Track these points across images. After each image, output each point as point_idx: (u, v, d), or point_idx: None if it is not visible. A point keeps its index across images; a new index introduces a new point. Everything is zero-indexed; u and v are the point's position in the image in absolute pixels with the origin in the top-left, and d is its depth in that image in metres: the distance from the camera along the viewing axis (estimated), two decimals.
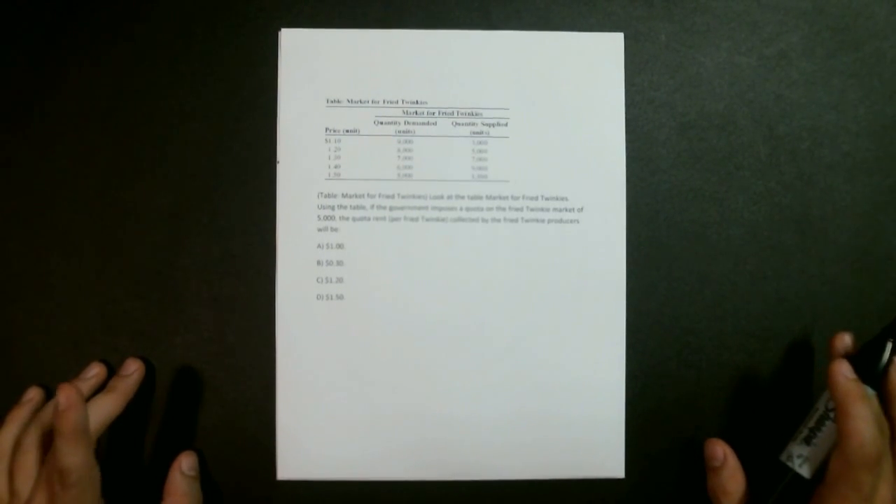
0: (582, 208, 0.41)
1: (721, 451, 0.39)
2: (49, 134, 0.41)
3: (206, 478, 0.41)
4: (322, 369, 0.41)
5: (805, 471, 0.36)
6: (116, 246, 0.41)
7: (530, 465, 0.41)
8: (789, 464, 0.37)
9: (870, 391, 0.35)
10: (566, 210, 0.41)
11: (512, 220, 0.41)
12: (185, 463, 0.39)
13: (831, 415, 0.36)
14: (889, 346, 0.36)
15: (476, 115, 0.41)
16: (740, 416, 0.42)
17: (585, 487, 0.41)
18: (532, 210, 0.41)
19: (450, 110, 0.41)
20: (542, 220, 0.41)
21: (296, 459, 0.41)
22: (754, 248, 0.42)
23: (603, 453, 0.41)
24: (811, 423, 0.37)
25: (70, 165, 0.41)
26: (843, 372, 0.35)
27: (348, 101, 0.41)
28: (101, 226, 0.41)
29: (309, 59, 0.41)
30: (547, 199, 0.41)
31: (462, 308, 0.41)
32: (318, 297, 0.41)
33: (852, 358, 0.36)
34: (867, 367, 0.36)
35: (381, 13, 0.42)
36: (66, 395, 0.34)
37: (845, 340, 0.38)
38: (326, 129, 0.41)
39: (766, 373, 0.42)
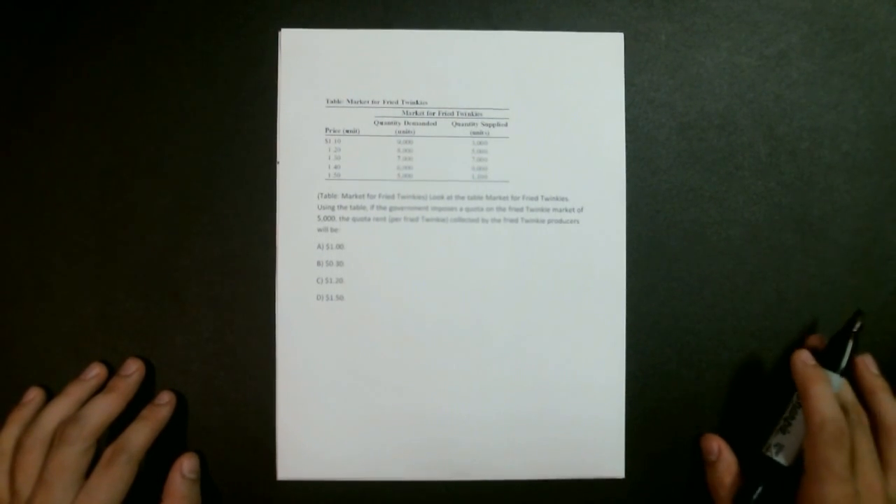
0: (582, 208, 0.41)
1: (716, 446, 0.40)
2: (49, 134, 0.41)
3: (206, 478, 0.41)
4: (322, 369, 0.41)
5: (782, 458, 0.38)
6: (116, 246, 0.41)
7: (530, 465, 0.41)
8: (768, 454, 0.38)
9: (837, 379, 0.37)
10: (566, 210, 0.41)
11: (512, 221, 0.41)
12: (187, 465, 0.39)
13: (800, 402, 0.37)
14: (850, 342, 0.38)
15: (476, 115, 0.41)
16: (740, 415, 0.42)
17: (585, 487, 0.41)
18: (532, 210, 0.41)
19: (450, 110, 0.41)
20: (542, 221, 0.41)
21: (296, 459, 0.41)
22: (754, 248, 0.42)
23: (603, 453, 0.41)
24: (786, 413, 0.39)
25: (70, 165, 0.41)
26: (802, 359, 0.38)
27: (348, 101, 0.41)
28: (101, 226, 0.41)
29: (309, 59, 0.41)
30: (547, 199, 0.41)
31: (462, 308, 0.41)
32: (318, 297, 0.41)
33: (822, 351, 0.39)
34: (834, 359, 0.38)
35: (381, 13, 0.42)
36: (170, 395, 0.41)
37: (813, 339, 0.41)
38: (326, 130, 0.41)
39: (765, 373, 0.42)
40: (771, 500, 0.37)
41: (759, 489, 0.37)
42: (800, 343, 0.41)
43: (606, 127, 0.41)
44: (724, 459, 0.40)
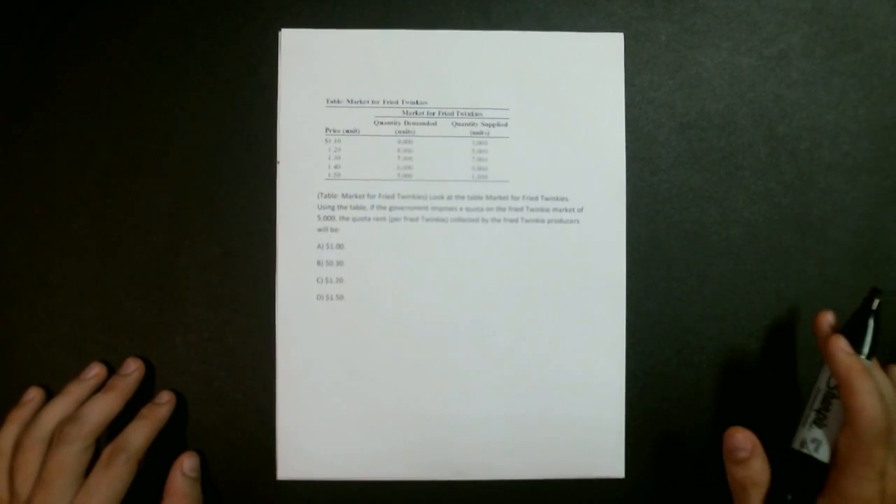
0: (582, 208, 0.41)
1: (749, 441, 0.35)
2: (49, 134, 0.41)
3: (206, 478, 0.41)
4: (322, 369, 0.41)
5: (823, 454, 0.35)
6: (116, 246, 0.41)
7: (530, 465, 0.41)
8: (804, 450, 0.36)
9: (866, 362, 0.35)
10: (566, 210, 0.41)
11: (512, 221, 0.41)
12: (188, 464, 0.39)
13: (835, 392, 0.35)
14: (871, 321, 0.36)
15: (476, 115, 0.41)
16: (740, 416, 0.42)
17: (585, 487, 0.41)
18: (532, 210, 0.41)
19: (450, 110, 0.41)
20: (542, 220, 0.41)
21: (296, 459, 0.41)
22: (754, 248, 0.42)
23: (603, 453, 0.41)
24: (816, 405, 0.36)
25: (70, 165, 0.41)
26: (842, 347, 0.35)
27: (348, 101, 0.41)
28: (101, 226, 0.41)
29: (309, 59, 0.41)
30: (547, 199, 0.41)
31: (462, 308, 0.41)
32: (318, 297, 0.41)
33: (842, 332, 0.36)
34: (856, 342, 0.35)
35: (381, 13, 0.42)
36: (170, 395, 0.40)
37: (829, 319, 0.37)
38: (326, 130, 0.41)
39: (766, 373, 0.42)
40: (808, 500, 0.34)
41: (799, 488, 0.35)
42: (806, 341, 0.41)
43: (606, 127, 0.41)
44: (759, 456, 0.35)
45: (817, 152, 0.42)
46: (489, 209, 0.41)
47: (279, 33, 0.41)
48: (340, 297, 0.41)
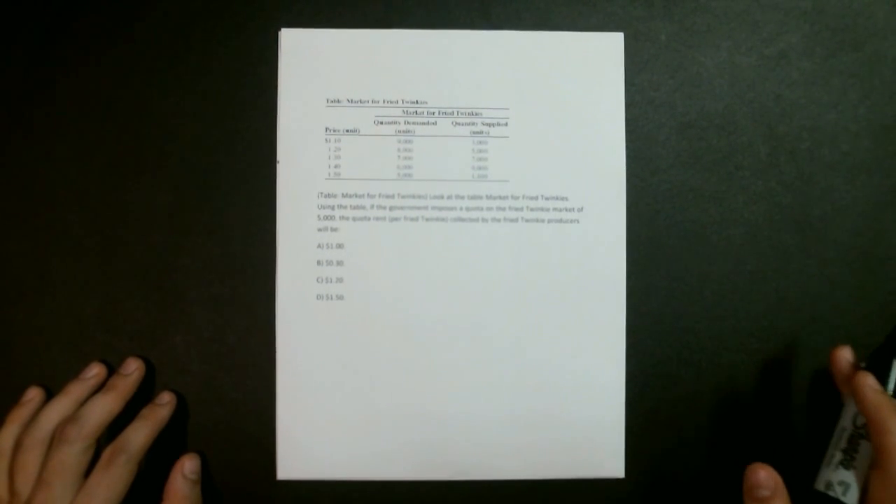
0: (582, 208, 0.41)
1: (772, 479, 0.33)
2: (49, 134, 0.42)
3: (205, 478, 0.41)
4: (322, 369, 0.41)
5: (851, 498, 0.34)
6: (116, 246, 0.41)
7: (530, 465, 0.41)
8: (831, 493, 0.34)
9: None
10: (566, 210, 0.41)
11: (512, 220, 0.41)
12: (188, 466, 0.39)
13: (862, 432, 0.34)
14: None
15: (476, 114, 0.41)
16: (740, 416, 0.42)
17: (585, 487, 0.41)
18: (532, 210, 0.41)
19: (450, 110, 0.41)
20: (542, 220, 0.41)
21: (296, 459, 0.41)
22: (754, 248, 0.42)
23: (603, 453, 0.41)
24: (843, 445, 0.35)
25: (70, 165, 0.41)
26: (871, 385, 0.34)
27: (348, 100, 0.41)
28: (101, 226, 0.41)
29: (309, 59, 0.41)
30: (547, 198, 0.41)
31: (462, 308, 0.41)
32: (318, 297, 0.41)
33: (866, 369, 0.35)
34: (882, 377, 0.34)
35: (381, 13, 0.42)
36: (170, 395, 0.41)
37: (847, 355, 0.37)
38: (326, 129, 0.41)
39: (766, 373, 0.42)
40: None
41: None
42: (806, 341, 0.41)
43: (606, 127, 0.41)
44: (781, 497, 0.32)
45: (817, 152, 0.42)
46: (489, 209, 0.41)
47: (279, 33, 0.41)
48: (340, 297, 0.41)
